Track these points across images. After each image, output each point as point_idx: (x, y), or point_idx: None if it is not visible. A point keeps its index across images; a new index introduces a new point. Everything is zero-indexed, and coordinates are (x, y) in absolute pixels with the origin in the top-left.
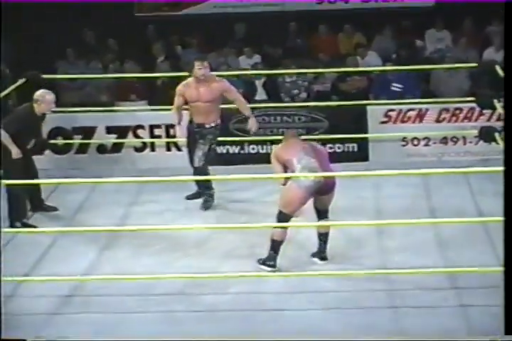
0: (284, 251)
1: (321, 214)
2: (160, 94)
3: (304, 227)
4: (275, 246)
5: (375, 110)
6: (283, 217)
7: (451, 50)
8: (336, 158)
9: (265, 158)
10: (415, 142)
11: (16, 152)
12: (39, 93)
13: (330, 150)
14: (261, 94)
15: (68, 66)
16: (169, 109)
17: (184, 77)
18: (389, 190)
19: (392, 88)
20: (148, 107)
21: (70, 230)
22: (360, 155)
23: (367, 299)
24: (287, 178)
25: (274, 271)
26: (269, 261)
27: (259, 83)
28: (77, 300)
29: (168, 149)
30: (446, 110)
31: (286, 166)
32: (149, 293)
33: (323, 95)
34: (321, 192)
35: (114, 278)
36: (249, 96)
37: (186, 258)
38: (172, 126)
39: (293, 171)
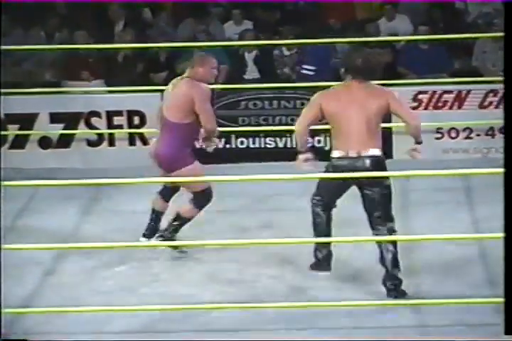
0: (284, 275)
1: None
2: (121, 72)
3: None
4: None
5: (400, 92)
6: None
7: (500, 14)
8: None
9: (258, 155)
10: (453, 134)
11: None
12: None
13: None
14: (252, 72)
15: None
16: (133, 91)
17: (153, 49)
18: (419, 195)
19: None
20: (106, 88)
21: (4, 248)
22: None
23: (392, 337)
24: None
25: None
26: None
27: (249, 57)
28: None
29: (132, 143)
30: (494, 92)
31: None
32: (106, 330)
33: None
34: (160, 166)
35: (60, 311)
36: (236, 73)
37: (156, 284)
38: (136, 112)
39: None
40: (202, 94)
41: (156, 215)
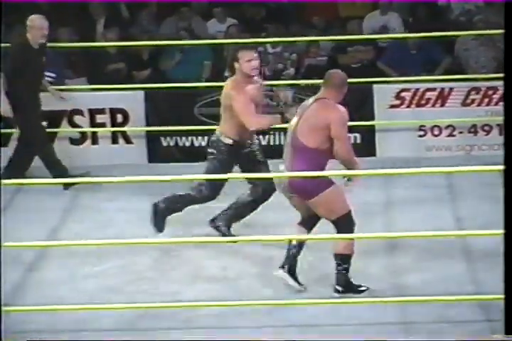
0: (262, 274)
1: None
2: (103, 70)
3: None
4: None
5: (383, 90)
6: None
7: (483, 11)
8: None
9: None
10: (436, 131)
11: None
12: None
13: None
14: None
15: None
16: (116, 89)
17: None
18: (402, 193)
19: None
20: (89, 86)
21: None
22: (365, 148)
23: (374, 334)
24: None
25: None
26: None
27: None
28: None
29: (115, 141)
30: (476, 90)
31: None
32: (90, 328)
33: (316, 71)
34: (296, 194)
35: (42, 309)
36: (217, 70)
37: (140, 282)
38: (119, 110)
39: None
40: (340, 118)
41: (300, 247)
